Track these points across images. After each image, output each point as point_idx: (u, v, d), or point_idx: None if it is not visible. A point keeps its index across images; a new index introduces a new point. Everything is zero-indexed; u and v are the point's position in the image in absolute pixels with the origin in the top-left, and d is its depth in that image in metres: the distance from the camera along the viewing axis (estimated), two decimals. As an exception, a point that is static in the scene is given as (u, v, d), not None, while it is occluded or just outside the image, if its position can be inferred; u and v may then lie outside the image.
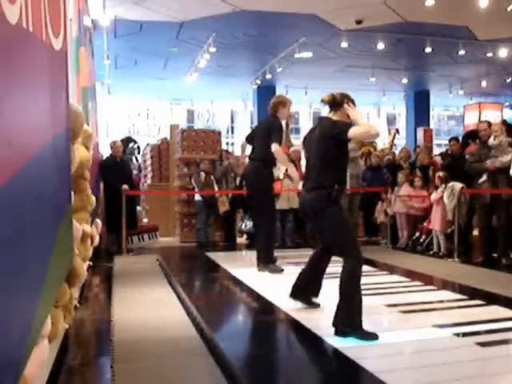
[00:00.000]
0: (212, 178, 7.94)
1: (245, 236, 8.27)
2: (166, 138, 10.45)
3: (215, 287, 5.38)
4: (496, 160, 5.90)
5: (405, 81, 15.68)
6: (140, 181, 11.98)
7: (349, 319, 3.12)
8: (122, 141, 11.21)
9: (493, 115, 15.55)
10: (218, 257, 6.56)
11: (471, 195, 6.52)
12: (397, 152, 9.65)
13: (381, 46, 11.02)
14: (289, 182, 7.42)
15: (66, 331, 2.83)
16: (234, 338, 3.37)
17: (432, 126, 19.08)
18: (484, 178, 6.09)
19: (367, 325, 3.13)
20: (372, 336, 3.05)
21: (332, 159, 3.39)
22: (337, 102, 3.48)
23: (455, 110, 22.11)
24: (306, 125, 19.33)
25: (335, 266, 3.40)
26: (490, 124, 6.32)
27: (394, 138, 11.06)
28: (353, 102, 3.50)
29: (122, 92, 17.06)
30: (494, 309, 3.85)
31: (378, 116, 21.99)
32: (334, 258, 3.59)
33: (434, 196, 6.78)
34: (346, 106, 3.45)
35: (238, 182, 8.24)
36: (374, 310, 3.69)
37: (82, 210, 2.96)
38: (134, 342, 3.21)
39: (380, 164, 8.43)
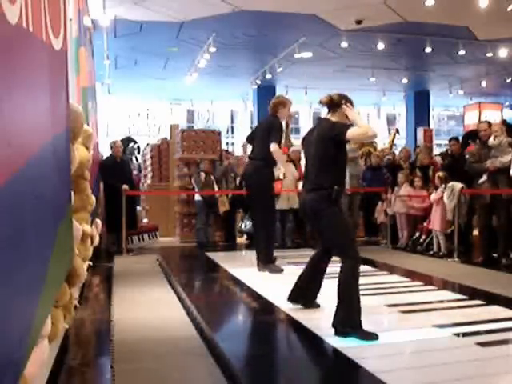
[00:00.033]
0: (212, 177, 7.94)
1: (245, 236, 8.28)
2: (165, 138, 10.45)
3: (215, 287, 5.39)
4: (496, 160, 5.90)
5: (405, 81, 15.68)
6: (140, 181, 11.98)
7: (349, 319, 3.12)
8: (122, 141, 11.22)
9: (493, 115, 15.55)
10: (217, 257, 6.56)
11: (471, 195, 6.52)
12: (397, 152, 9.66)
13: (381, 46, 11.02)
14: (289, 182, 7.43)
15: (66, 331, 2.83)
16: (233, 338, 3.37)
17: (432, 125, 19.08)
18: (484, 178, 6.09)
19: (367, 325, 3.13)
20: (372, 336, 3.05)
21: (331, 160, 3.40)
22: (335, 103, 3.49)
23: (455, 110, 22.11)
24: (305, 125, 19.33)
25: (335, 266, 3.40)
26: (490, 124, 6.32)
27: (393, 138, 11.05)
28: (351, 102, 3.50)
29: (122, 92, 17.06)
30: (493, 309, 3.85)
31: (378, 116, 21.99)
32: (333, 259, 3.58)
33: (434, 196, 6.78)
34: (344, 106, 3.45)
35: (237, 181, 8.24)
36: (373, 310, 3.69)
37: (81, 210, 2.96)
38: (133, 342, 3.21)
39: (380, 164, 8.44)
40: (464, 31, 10.75)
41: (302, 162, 6.12)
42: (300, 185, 5.78)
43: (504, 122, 8.28)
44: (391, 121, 22.30)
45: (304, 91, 15.89)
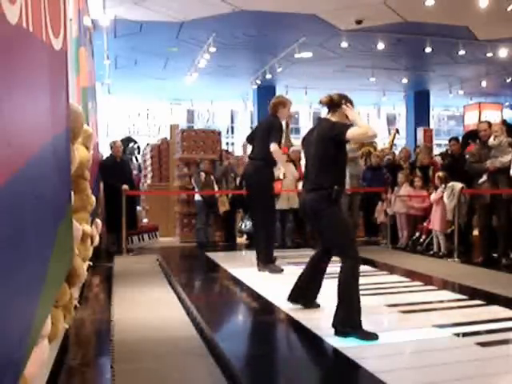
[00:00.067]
0: (212, 177, 7.94)
1: (245, 236, 8.28)
2: (166, 138, 10.45)
3: (215, 287, 5.39)
4: (496, 160, 5.90)
5: (405, 81, 15.68)
6: (140, 181, 11.98)
7: (349, 319, 3.12)
8: (122, 141, 11.22)
9: (493, 115, 15.55)
10: (217, 257, 6.56)
11: (471, 195, 6.52)
12: (397, 152, 9.66)
13: (381, 46, 11.02)
14: (289, 182, 7.43)
15: (66, 331, 2.83)
16: (234, 338, 3.37)
17: (432, 125, 19.08)
18: (484, 178, 6.09)
19: (367, 325, 3.13)
20: (372, 336, 3.05)
21: (331, 160, 3.40)
22: (335, 103, 3.49)
23: (455, 110, 22.11)
24: (305, 125, 19.33)
25: (335, 266, 3.40)
26: (490, 124, 6.31)
27: (394, 138, 11.05)
28: (351, 102, 3.51)
29: (122, 92, 17.06)
30: (493, 309, 3.85)
31: (378, 116, 21.99)
32: (333, 259, 3.58)
33: (434, 196, 6.78)
34: (344, 106, 3.45)
35: (238, 182, 8.24)
36: (374, 310, 3.69)
37: (81, 210, 2.96)
38: (133, 342, 3.21)
39: (380, 164, 8.44)
40: (464, 31, 10.75)
41: (302, 162, 6.12)
42: (300, 185, 5.78)
43: (504, 122, 8.28)
44: (391, 121, 22.30)
45: (304, 91, 15.89)
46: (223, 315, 4.09)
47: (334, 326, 3.18)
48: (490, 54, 12.13)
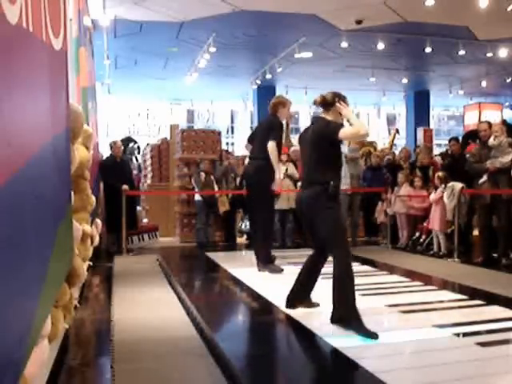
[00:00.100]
0: (212, 177, 7.94)
1: (245, 236, 8.28)
2: (166, 138, 10.45)
3: (215, 287, 5.39)
4: (496, 160, 5.90)
5: (405, 81, 15.68)
6: (140, 181, 11.98)
7: (348, 306, 3.20)
8: (122, 141, 11.22)
9: (493, 115, 15.55)
10: (217, 257, 6.56)
11: (471, 195, 6.52)
12: (397, 152, 9.66)
13: (381, 46, 11.02)
14: (289, 182, 7.44)
15: (66, 331, 2.83)
16: (234, 338, 3.37)
17: (432, 126, 19.08)
18: (484, 178, 6.09)
19: (367, 325, 3.13)
20: (372, 334, 3.06)
21: (326, 158, 3.46)
22: (328, 102, 3.53)
23: (455, 110, 22.11)
24: (305, 125, 19.14)
25: (331, 267, 3.40)
26: (490, 124, 6.31)
27: (394, 138, 11.07)
28: (344, 100, 3.54)
29: (122, 92, 17.06)
30: (494, 309, 3.85)
31: (378, 116, 21.99)
32: (330, 259, 3.59)
33: (434, 196, 6.78)
34: (337, 104, 3.48)
35: (237, 182, 8.24)
36: (374, 310, 3.69)
37: (81, 210, 2.96)
38: (134, 342, 3.21)
39: (380, 164, 8.43)
40: (464, 31, 10.75)
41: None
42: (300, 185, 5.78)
43: (504, 122, 8.28)
44: (391, 121, 22.30)
45: (304, 91, 15.89)
46: (223, 315, 4.09)
47: (332, 320, 3.24)
48: (490, 54, 12.13)
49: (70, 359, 2.95)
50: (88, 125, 3.63)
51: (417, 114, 17.34)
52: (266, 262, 5.42)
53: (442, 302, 4.16)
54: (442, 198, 6.66)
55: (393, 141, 10.97)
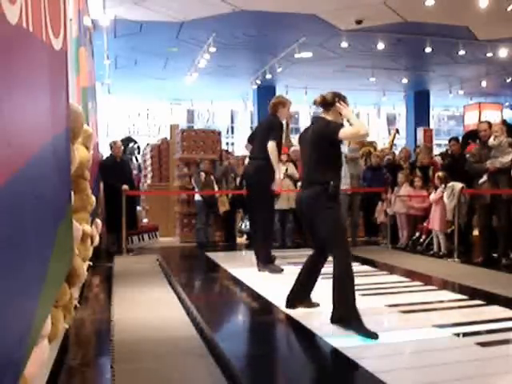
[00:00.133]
0: (212, 178, 7.94)
1: (245, 236, 8.28)
2: (166, 138, 10.45)
3: (215, 287, 5.39)
4: (496, 160, 5.90)
5: (405, 81, 15.68)
6: (140, 181, 11.98)
7: (348, 306, 3.21)
8: (122, 141, 11.22)
9: (493, 115, 15.56)
10: (217, 257, 6.56)
11: (471, 195, 6.52)
12: (397, 152, 9.66)
13: (381, 46, 11.02)
14: (289, 182, 7.44)
15: (66, 331, 2.83)
16: (234, 338, 3.37)
17: (432, 126, 19.08)
18: (484, 178, 6.09)
19: (367, 325, 3.13)
20: (372, 334, 3.06)
21: (325, 158, 3.47)
22: (328, 102, 3.54)
23: (455, 110, 22.11)
24: (305, 125, 19.15)
25: (331, 267, 3.40)
26: (490, 124, 6.32)
27: (393, 138, 11.07)
28: (344, 100, 3.55)
29: (122, 92, 17.06)
30: (494, 309, 3.85)
31: (378, 116, 21.99)
32: (330, 259, 3.59)
33: (434, 196, 6.78)
34: (337, 104, 3.49)
35: (238, 182, 8.24)
36: (374, 310, 3.69)
37: (81, 210, 2.96)
38: (134, 342, 3.21)
39: (380, 164, 8.43)
40: (464, 31, 10.75)
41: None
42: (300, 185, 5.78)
43: (504, 122, 8.28)
44: (391, 121, 22.30)
45: (304, 91, 15.89)
46: (223, 315, 4.09)
47: (332, 320, 3.25)
48: (490, 54, 12.13)
49: (70, 359, 2.95)
50: (88, 125, 3.63)
51: (417, 114, 17.34)
52: (266, 262, 5.42)
53: (441, 302, 4.16)
54: (441, 197, 6.66)
55: (393, 141, 10.97)
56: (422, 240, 7.32)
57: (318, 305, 3.76)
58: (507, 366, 2.75)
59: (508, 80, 15.55)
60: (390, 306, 3.94)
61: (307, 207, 3.48)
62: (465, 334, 3.20)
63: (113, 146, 7.74)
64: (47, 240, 1.65)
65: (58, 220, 1.88)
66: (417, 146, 10.94)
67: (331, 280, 3.33)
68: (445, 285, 4.93)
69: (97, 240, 3.62)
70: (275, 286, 4.52)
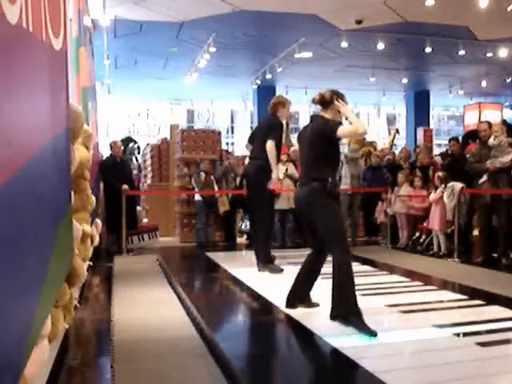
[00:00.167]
0: (212, 178, 7.94)
1: (245, 236, 8.28)
2: (166, 138, 10.45)
3: (215, 287, 5.39)
4: (496, 160, 5.90)
5: (405, 81, 15.68)
6: (140, 181, 11.98)
7: (348, 303, 3.22)
8: (122, 141, 11.23)
9: (493, 115, 15.56)
10: (217, 257, 6.56)
11: (471, 195, 6.52)
12: (397, 152, 9.65)
13: (381, 46, 11.02)
14: (289, 182, 7.44)
15: (66, 331, 2.83)
16: (234, 338, 3.37)
17: (432, 126, 19.09)
18: (484, 178, 6.09)
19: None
20: (372, 331, 3.07)
21: (324, 156, 3.48)
22: (326, 101, 3.56)
23: (455, 110, 22.11)
24: (305, 125, 19.27)
25: (331, 267, 3.40)
26: (490, 124, 6.32)
27: (393, 138, 11.07)
28: (342, 98, 3.57)
29: (122, 92, 17.06)
30: (494, 309, 3.85)
31: (378, 116, 21.99)
32: (329, 259, 3.59)
33: (434, 196, 6.78)
34: (336, 103, 3.50)
35: (237, 181, 8.24)
36: (374, 310, 3.69)
37: (82, 210, 2.96)
38: (134, 342, 3.21)
39: (380, 164, 8.43)
40: (464, 31, 10.75)
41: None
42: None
43: (504, 122, 8.29)
44: (391, 121, 22.30)
45: (304, 91, 15.88)
46: (223, 315, 4.09)
47: (332, 317, 3.28)
48: (490, 54, 12.13)
49: (70, 359, 2.95)
50: (88, 125, 3.63)
51: (417, 114, 17.34)
52: (266, 261, 5.42)
53: (441, 302, 4.16)
54: (441, 197, 6.66)
55: (393, 141, 10.97)
56: (422, 240, 7.32)
57: (317, 305, 3.76)
58: (507, 366, 2.75)
59: (508, 80, 15.55)
60: (390, 306, 3.94)
61: (305, 205, 3.50)
62: (465, 334, 3.20)
63: (113, 145, 7.74)
64: (47, 240, 1.65)
65: (58, 220, 1.88)
66: (417, 146, 10.94)
67: (331, 279, 3.33)
68: (445, 285, 4.93)
69: (97, 240, 3.62)
70: (275, 286, 4.52)
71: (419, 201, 7.36)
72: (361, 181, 7.91)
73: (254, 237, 5.82)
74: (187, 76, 14.31)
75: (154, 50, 11.95)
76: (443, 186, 6.65)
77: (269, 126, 5.44)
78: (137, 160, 15.99)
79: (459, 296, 4.32)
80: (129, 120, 20.20)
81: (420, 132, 14.90)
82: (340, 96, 3.56)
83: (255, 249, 5.61)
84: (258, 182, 5.45)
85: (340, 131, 3.35)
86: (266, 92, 14.66)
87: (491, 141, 5.98)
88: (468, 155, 6.74)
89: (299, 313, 3.64)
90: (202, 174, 7.84)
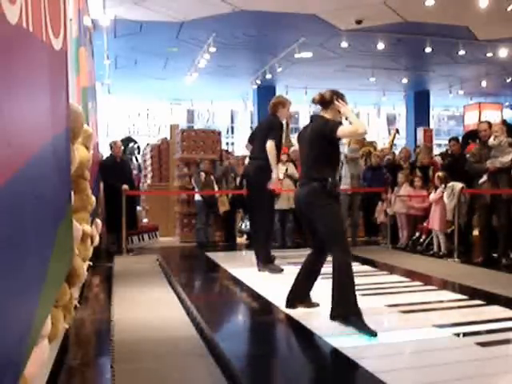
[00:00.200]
0: (212, 178, 7.94)
1: (245, 236, 8.28)
2: (166, 138, 10.45)
3: (215, 287, 5.39)
4: (496, 160, 5.90)
5: (405, 81, 15.68)
6: (140, 181, 11.98)
7: (348, 303, 3.23)
8: (122, 141, 11.22)
9: (493, 115, 15.56)
10: (217, 257, 6.56)
11: (471, 195, 6.52)
12: (397, 152, 9.66)
13: (381, 46, 11.02)
14: (289, 182, 7.44)
15: (66, 331, 2.83)
16: (234, 338, 3.37)
17: (432, 126, 19.09)
18: (484, 178, 6.09)
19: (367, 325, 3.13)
20: (372, 331, 3.07)
21: (323, 156, 3.49)
22: (326, 101, 3.57)
23: (455, 110, 22.11)
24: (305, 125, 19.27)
25: (331, 267, 3.40)
26: (490, 124, 6.32)
27: (393, 138, 11.08)
28: (342, 98, 3.58)
29: (122, 92, 17.06)
30: (494, 309, 3.85)
31: (378, 116, 21.99)
32: (329, 259, 3.59)
33: (434, 196, 6.78)
34: (336, 103, 3.51)
35: (238, 181, 8.24)
36: (374, 310, 3.69)
37: (82, 210, 2.96)
38: (134, 342, 3.21)
39: (380, 164, 8.43)
40: (464, 31, 10.75)
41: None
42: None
43: (504, 122, 8.28)
44: (391, 121, 22.30)
45: (304, 91, 15.88)
46: (223, 315, 4.09)
47: (332, 316, 3.28)
48: (490, 54, 12.14)
49: (70, 359, 2.95)
50: (88, 125, 3.63)
51: (417, 114, 17.34)
52: (266, 261, 5.42)
53: (441, 302, 4.16)
54: (441, 197, 6.66)
55: (393, 141, 10.98)
56: (422, 240, 7.32)
57: (317, 305, 3.76)
58: (507, 366, 2.75)
59: (508, 80, 15.55)
60: (390, 306, 3.94)
61: (305, 205, 3.50)
62: (465, 334, 3.20)
63: (113, 145, 7.74)
64: (47, 240, 1.65)
65: (58, 220, 1.88)
66: (417, 146, 10.94)
67: (331, 279, 3.33)
68: (445, 285, 4.93)
69: (97, 240, 3.62)
70: (275, 286, 4.52)
71: (419, 201, 7.36)
72: (361, 181, 7.91)
73: (254, 237, 5.82)
74: (187, 76, 14.31)
75: (154, 50, 11.95)
76: (443, 185, 6.65)
77: (269, 126, 5.44)
78: (137, 160, 15.99)
79: (459, 296, 4.32)
80: (129, 120, 20.20)
81: (420, 132, 14.90)
82: (340, 96, 3.56)
83: (255, 249, 5.62)
84: (258, 182, 5.45)
85: (340, 131, 3.36)
86: (265, 92, 14.66)
87: (491, 141, 5.98)
88: (468, 155, 6.74)
89: (299, 313, 3.64)
90: (202, 174, 7.84)
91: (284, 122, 5.65)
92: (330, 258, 3.52)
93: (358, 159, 8.05)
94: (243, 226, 8.12)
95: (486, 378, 2.58)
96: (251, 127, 17.56)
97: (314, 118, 3.72)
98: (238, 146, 18.98)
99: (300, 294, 3.73)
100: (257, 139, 5.58)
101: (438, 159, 8.61)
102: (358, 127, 3.35)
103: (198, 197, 7.89)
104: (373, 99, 19.25)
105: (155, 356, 2.95)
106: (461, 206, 6.52)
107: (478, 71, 14.58)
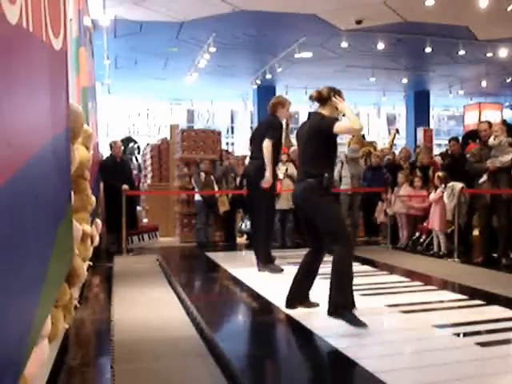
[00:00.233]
0: (212, 178, 7.94)
1: (245, 236, 8.28)
2: (166, 138, 10.45)
3: (215, 287, 5.39)
4: (496, 160, 5.90)
5: (405, 81, 15.68)
6: (140, 181, 11.98)
7: (342, 299, 3.25)
8: (122, 141, 11.23)
9: (493, 115, 15.55)
10: (217, 257, 6.56)
11: (471, 195, 6.52)
12: (397, 152, 9.66)
13: (381, 46, 11.02)
14: (289, 182, 7.43)
15: (66, 331, 2.83)
16: (234, 338, 3.37)
17: (432, 126, 19.08)
18: (484, 178, 6.09)
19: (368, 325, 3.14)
20: (360, 322, 3.10)
21: (321, 153, 3.51)
22: (324, 98, 3.59)
23: (455, 110, 22.11)
24: (305, 125, 19.27)
25: (328, 267, 3.40)
26: (490, 124, 6.32)
27: (394, 138, 11.08)
28: (340, 94, 3.60)
29: (122, 92, 17.06)
30: (494, 309, 3.85)
31: (378, 116, 21.98)
32: (326, 259, 3.59)
33: (434, 196, 6.78)
34: (333, 99, 3.53)
35: (238, 181, 8.24)
36: (374, 310, 3.69)
37: (82, 210, 2.96)
38: (134, 342, 3.21)
39: (380, 164, 8.44)
40: (464, 31, 10.75)
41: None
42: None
43: (504, 122, 8.28)
44: (391, 121, 22.29)
45: (304, 91, 15.85)
46: (223, 315, 4.09)
47: (329, 312, 3.30)
48: (490, 54, 12.13)
49: (70, 359, 2.95)
50: (88, 125, 3.63)
51: (417, 114, 17.33)
52: (266, 261, 5.42)
53: (442, 302, 4.16)
54: (441, 197, 6.66)
55: (393, 141, 10.98)
56: (422, 240, 7.32)
57: (317, 305, 3.76)
58: (507, 366, 2.75)
59: (508, 80, 15.55)
60: (390, 306, 3.94)
61: (302, 201, 3.52)
62: (465, 334, 3.21)
63: (113, 145, 7.74)
64: (47, 240, 1.65)
65: (58, 220, 1.88)
66: (417, 146, 10.94)
67: (329, 280, 3.34)
68: (445, 285, 4.93)
69: (97, 240, 3.62)
70: (275, 286, 4.51)
71: (419, 201, 7.36)
72: (361, 181, 7.91)
73: (254, 237, 5.82)
74: (187, 76, 14.31)
75: (154, 50, 11.95)
76: (443, 186, 6.65)
77: (268, 126, 5.44)
78: (137, 160, 15.99)
79: (459, 296, 4.32)
80: (129, 120, 20.20)
81: (420, 132, 14.90)
82: (337, 92, 3.58)
83: (255, 249, 5.62)
84: (258, 182, 5.44)
85: (337, 127, 3.39)
86: (266, 92, 14.66)
87: (491, 141, 5.98)
88: (468, 155, 6.74)
89: (299, 313, 3.64)
90: (202, 174, 7.84)
91: (284, 122, 5.64)
92: (330, 258, 3.52)
93: (358, 159, 8.05)
94: (243, 226, 8.12)
95: (486, 377, 2.58)
96: (251, 127, 17.56)
97: (311, 114, 3.73)
98: (238, 146, 18.99)
99: (299, 295, 3.73)
100: (256, 139, 5.57)
101: (438, 159, 8.61)
102: (354, 124, 3.38)
103: (197, 197, 7.89)
104: (373, 99, 19.25)
105: (155, 356, 2.95)
106: (461, 205, 6.52)
107: (478, 71, 14.58)
